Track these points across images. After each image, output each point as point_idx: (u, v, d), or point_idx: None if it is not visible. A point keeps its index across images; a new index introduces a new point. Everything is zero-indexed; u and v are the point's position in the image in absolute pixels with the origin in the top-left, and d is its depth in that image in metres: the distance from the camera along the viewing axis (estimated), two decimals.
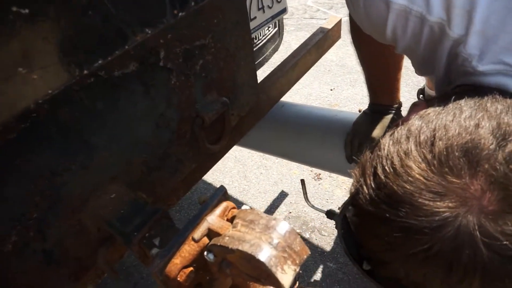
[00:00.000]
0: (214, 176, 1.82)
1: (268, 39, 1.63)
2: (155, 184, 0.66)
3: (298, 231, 1.45)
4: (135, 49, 0.52)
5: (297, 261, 0.29)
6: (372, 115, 0.91)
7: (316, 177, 1.68)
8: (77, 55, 0.32)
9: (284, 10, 1.15)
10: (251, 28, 1.04)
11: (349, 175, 0.93)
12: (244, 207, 0.39)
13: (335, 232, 1.42)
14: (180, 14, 0.39)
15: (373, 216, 0.38)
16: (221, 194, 0.39)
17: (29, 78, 0.28)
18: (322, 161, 0.93)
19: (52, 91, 0.30)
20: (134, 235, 0.48)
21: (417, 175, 0.34)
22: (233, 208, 0.39)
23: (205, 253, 0.33)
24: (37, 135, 0.43)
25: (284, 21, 3.69)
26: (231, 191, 1.70)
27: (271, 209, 1.57)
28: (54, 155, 0.46)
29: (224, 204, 0.38)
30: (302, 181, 0.80)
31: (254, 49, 1.55)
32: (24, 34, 0.27)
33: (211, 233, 0.34)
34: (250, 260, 0.29)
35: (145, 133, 0.59)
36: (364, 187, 0.39)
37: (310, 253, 0.33)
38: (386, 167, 0.37)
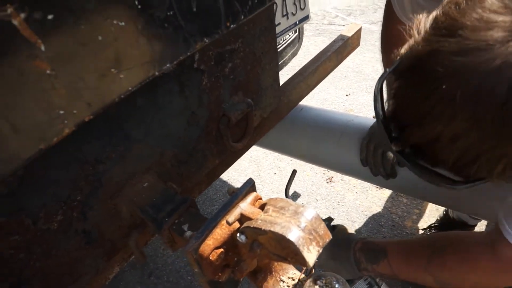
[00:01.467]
0: (229, 174, 1.86)
1: (288, 43, 1.67)
2: (183, 176, 0.70)
3: None
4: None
5: (321, 243, 0.33)
6: None
7: (329, 180, 1.71)
8: (153, 59, 0.37)
9: (307, 17, 1.19)
10: (276, 33, 1.08)
11: (362, 178, 0.96)
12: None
13: None
14: (231, 26, 0.43)
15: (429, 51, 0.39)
16: (250, 185, 0.43)
17: (117, 77, 0.33)
18: (337, 163, 0.96)
19: (132, 88, 0.35)
20: (166, 221, 0.52)
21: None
22: (260, 199, 0.43)
23: (238, 234, 0.37)
24: (87, 126, 0.48)
25: (304, 26, 3.73)
26: None
27: None
28: (99, 144, 0.51)
29: (254, 194, 0.41)
30: (294, 172, 0.84)
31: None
32: (118, 42, 0.32)
33: (243, 218, 0.38)
34: (281, 241, 0.32)
35: (177, 129, 0.64)
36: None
37: (332, 237, 0.37)
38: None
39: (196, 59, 0.60)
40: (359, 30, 1.26)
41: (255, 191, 0.44)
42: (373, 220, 1.48)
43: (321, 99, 2.37)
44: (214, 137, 0.73)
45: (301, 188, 1.70)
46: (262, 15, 0.71)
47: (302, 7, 1.14)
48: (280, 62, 1.65)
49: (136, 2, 0.34)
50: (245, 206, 0.39)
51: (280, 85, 1.07)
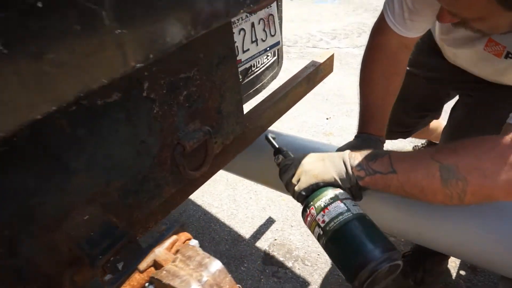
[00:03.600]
0: (204, 198, 1.83)
1: (267, 67, 1.69)
2: (132, 207, 0.68)
3: (281, 259, 1.46)
4: (119, 80, 0.56)
5: None
6: (359, 141, 0.93)
7: None
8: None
9: (277, 43, 1.20)
10: (245, 59, 1.09)
11: None
12: (191, 242, 0.41)
13: (319, 262, 1.43)
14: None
15: None
16: (178, 226, 0.41)
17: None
18: None
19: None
20: (99, 258, 0.50)
21: None
22: (188, 239, 0.42)
23: (146, 284, 0.35)
24: (16, 156, 0.46)
25: (288, 48, 3.81)
26: (219, 215, 1.72)
27: (257, 235, 1.58)
28: (31, 176, 0.49)
29: (173, 237, 0.40)
30: (267, 139, 0.88)
31: (252, 77, 1.61)
32: None
33: (157, 265, 0.37)
34: None
35: (125, 159, 0.62)
36: None
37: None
38: None
39: (145, 87, 0.60)
40: (332, 56, 1.29)
41: (185, 232, 0.43)
42: None
43: (301, 122, 2.39)
44: (168, 166, 0.72)
45: (276, 214, 1.68)
46: (219, 43, 0.71)
47: (273, 33, 1.16)
48: (259, 85, 1.66)
49: None
50: (160, 251, 0.37)
51: (251, 109, 1.08)
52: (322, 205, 0.69)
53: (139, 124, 0.62)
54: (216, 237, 1.59)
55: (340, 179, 0.74)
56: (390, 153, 0.72)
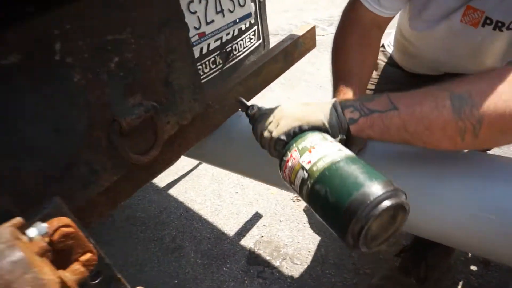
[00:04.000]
0: (187, 194, 1.75)
1: (251, 51, 1.60)
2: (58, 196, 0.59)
3: (267, 258, 1.37)
4: (16, 38, 0.47)
5: None
6: None
7: (295, 199, 1.61)
8: None
9: (249, 15, 1.11)
10: (210, 31, 1.00)
11: None
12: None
13: (309, 260, 1.34)
14: None
15: None
16: (52, 206, 0.33)
17: None
18: (271, 177, 0.86)
19: None
20: None
21: None
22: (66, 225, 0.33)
23: None
24: None
25: (282, 37, 3.70)
26: (202, 211, 1.63)
27: (242, 232, 1.49)
28: None
29: (16, 220, 0.31)
30: (238, 100, 0.77)
31: (234, 61, 1.52)
32: None
33: None
34: None
35: (39, 138, 0.54)
36: None
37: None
38: None
39: (57, 49, 0.51)
40: (313, 30, 1.20)
41: (62, 215, 0.34)
42: (342, 245, 1.37)
43: None
44: (104, 147, 0.63)
45: (264, 209, 1.59)
46: (157, 1, 0.62)
47: (242, 3, 1.06)
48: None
49: None
50: None
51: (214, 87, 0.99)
52: (308, 146, 0.58)
53: (54, 95, 0.53)
54: (198, 236, 1.51)
55: (329, 123, 0.62)
56: (387, 93, 0.63)
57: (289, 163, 0.59)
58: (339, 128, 0.63)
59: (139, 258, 1.46)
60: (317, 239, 1.41)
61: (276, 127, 0.65)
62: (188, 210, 1.65)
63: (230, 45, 1.57)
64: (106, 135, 0.63)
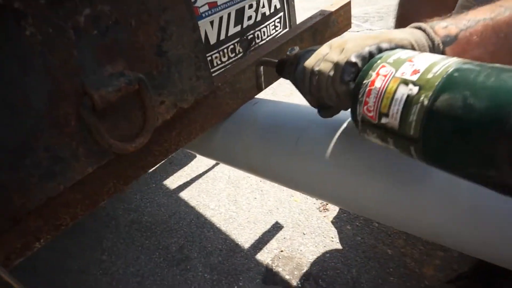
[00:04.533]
0: (200, 198, 1.63)
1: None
2: (9, 190, 0.48)
3: (287, 277, 1.21)
4: None
5: None
6: None
7: (322, 208, 1.45)
8: None
9: None
10: (223, 1, 0.87)
11: (339, 203, 0.71)
12: None
13: (337, 283, 1.17)
14: None
15: None
16: None
17: None
18: (291, 177, 0.71)
19: None
20: None
21: None
22: None
23: None
24: None
25: None
26: (215, 218, 1.50)
27: (259, 244, 1.34)
28: None
29: None
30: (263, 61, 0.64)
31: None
32: None
33: None
34: None
35: None
36: None
37: None
38: None
39: None
40: (348, 5, 1.04)
41: None
42: (378, 265, 1.20)
43: None
44: (74, 129, 0.51)
45: (285, 218, 1.44)
46: None
47: None
48: None
49: None
50: None
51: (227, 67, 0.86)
52: (404, 57, 0.43)
53: None
54: (208, 247, 1.37)
55: (417, 43, 0.47)
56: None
57: (376, 85, 0.42)
58: (431, 51, 0.47)
59: (141, 268, 1.34)
60: (347, 257, 1.24)
61: (340, 52, 0.49)
62: (199, 216, 1.53)
63: (252, 31, 1.44)
64: (76, 112, 0.50)
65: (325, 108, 0.56)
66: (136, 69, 0.55)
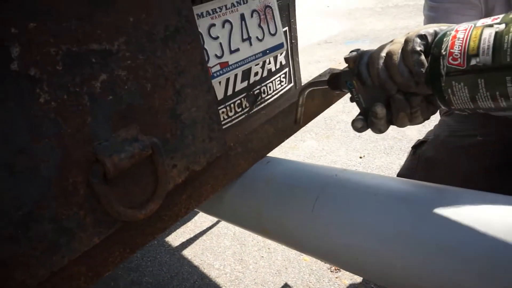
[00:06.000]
0: (204, 257, 1.55)
1: (281, 95, 1.49)
2: (9, 266, 0.44)
3: None
4: None
5: None
6: None
7: (334, 269, 1.37)
8: None
9: (281, 46, 0.99)
10: (234, 62, 0.88)
11: (347, 267, 0.66)
12: None
13: None
14: None
15: None
16: None
17: None
18: (308, 242, 0.67)
19: None
20: None
21: None
22: None
23: None
24: None
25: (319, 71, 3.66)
26: (220, 280, 1.42)
27: None
28: None
29: None
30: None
31: (262, 105, 1.41)
32: None
33: None
34: None
35: None
36: None
37: None
38: None
39: (14, 55, 0.38)
40: None
41: None
42: None
43: (329, 161, 2.12)
44: (81, 197, 0.48)
45: (295, 279, 1.36)
46: (164, 5, 0.50)
47: (272, 31, 0.95)
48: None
49: None
50: None
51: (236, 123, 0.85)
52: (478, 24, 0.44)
53: (7, 120, 0.39)
54: None
55: None
56: None
57: (459, 36, 0.45)
58: None
59: None
60: None
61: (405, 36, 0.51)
62: (203, 277, 1.45)
63: (258, 87, 1.46)
64: (85, 181, 0.48)
65: (367, 115, 0.56)
66: (150, 133, 0.53)
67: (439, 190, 0.59)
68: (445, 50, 0.45)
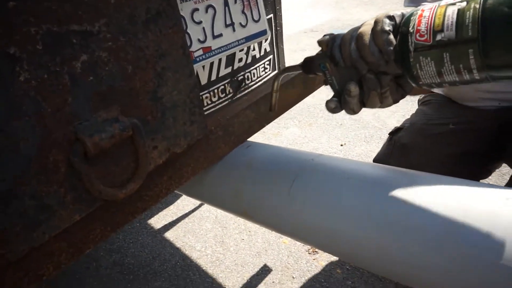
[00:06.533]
0: (186, 239, 1.57)
1: (265, 81, 1.49)
2: None
3: None
4: None
5: None
6: None
7: (312, 251, 1.41)
8: None
9: (264, 32, 1.00)
10: (217, 47, 0.88)
11: (319, 246, 0.69)
12: None
13: None
14: None
15: None
16: None
17: None
18: (285, 222, 0.69)
19: None
20: None
21: None
22: None
23: None
24: None
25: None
26: (201, 261, 1.44)
27: None
28: None
29: None
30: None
31: (245, 91, 1.41)
32: None
33: None
34: None
35: None
36: None
37: None
38: None
39: None
40: None
41: None
42: None
43: (311, 148, 2.15)
44: (62, 175, 0.49)
45: (274, 261, 1.39)
46: None
47: (256, 18, 0.95)
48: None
49: None
50: None
51: (218, 108, 0.87)
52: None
53: None
54: None
55: None
56: None
57: (425, 14, 0.48)
58: None
59: None
60: None
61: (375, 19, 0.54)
62: (184, 258, 1.47)
63: (242, 73, 1.46)
64: (66, 159, 0.48)
65: (340, 96, 0.59)
66: (131, 114, 0.54)
67: (408, 175, 0.62)
68: (413, 27, 0.48)
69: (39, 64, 0.43)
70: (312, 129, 2.36)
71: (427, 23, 0.46)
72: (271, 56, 1.55)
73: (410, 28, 0.48)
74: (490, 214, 0.49)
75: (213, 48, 0.86)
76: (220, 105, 1.25)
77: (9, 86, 0.41)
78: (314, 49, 3.78)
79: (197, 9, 0.80)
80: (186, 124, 0.64)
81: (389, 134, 1.14)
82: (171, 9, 0.55)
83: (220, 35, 0.87)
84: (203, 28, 0.83)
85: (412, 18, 0.49)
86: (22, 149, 0.44)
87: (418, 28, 0.47)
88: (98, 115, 0.50)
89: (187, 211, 1.74)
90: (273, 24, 1.37)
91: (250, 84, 1.56)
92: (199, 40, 0.83)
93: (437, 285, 0.54)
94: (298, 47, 4.25)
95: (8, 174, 0.43)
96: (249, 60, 1.49)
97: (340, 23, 5.01)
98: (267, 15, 1.05)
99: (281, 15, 1.45)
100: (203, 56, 0.85)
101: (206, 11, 0.83)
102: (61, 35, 0.44)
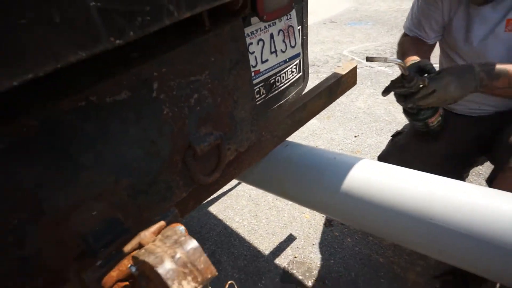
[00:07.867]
0: (226, 212, 1.83)
1: (292, 83, 1.70)
2: (142, 207, 0.69)
3: (300, 277, 1.41)
4: (128, 79, 0.58)
5: (199, 279, 0.30)
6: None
7: (328, 224, 1.65)
8: None
9: (298, 55, 1.21)
10: (264, 69, 1.10)
11: (340, 217, 0.92)
12: (178, 227, 0.40)
13: (340, 283, 1.37)
14: (117, 41, 0.41)
15: None
16: (171, 216, 0.41)
17: None
18: (314, 202, 0.93)
19: None
20: (101, 251, 0.51)
21: None
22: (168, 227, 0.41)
23: (129, 265, 0.35)
24: (26, 149, 0.49)
25: (318, 68, 3.82)
26: (239, 230, 1.70)
27: (276, 251, 1.54)
28: (40, 168, 0.51)
29: (161, 222, 0.40)
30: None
31: (276, 92, 1.62)
32: None
33: (141, 247, 0.37)
34: (153, 272, 0.30)
35: (134, 159, 0.64)
36: None
37: (216, 274, 0.34)
38: None
39: (155, 88, 0.62)
40: (355, 69, 1.27)
41: (178, 222, 0.43)
42: (372, 270, 1.39)
43: (329, 139, 2.36)
44: (179, 169, 0.73)
45: (298, 231, 1.64)
46: (231, 48, 0.73)
47: (293, 44, 1.16)
48: (283, 100, 1.67)
49: None
50: (145, 235, 0.37)
51: (266, 118, 1.08)
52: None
53: (149, 124, 0.63)
54: (235, 252, 1.57)
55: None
56: (508, 72, 0.95)
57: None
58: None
59: None
60: (348, 263, 1.44)
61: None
62: (226, 227, 1.73)
63: (273, 77, 1.67)
64: (182, 159, 0.72)
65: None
66: (218, 129, 0.77)
67: (393, 170, 0.84)
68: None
69: (174, 103, 0.66)
70: (330, 122, 2.57)
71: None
72: (297, 61, 1.76)
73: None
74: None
75: (261, 70, 1.09)
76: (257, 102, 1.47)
77: (158, 117, 0.65)
78: (332, 42, 3.89)
79: (251, 43, 1.02)
80: (247, 133, 0.87)
81: (391, 136, 1.36)
82: (244, 58, 0.77)
83: (267, 60, 1.09)
84: (255, 56, 1.05)
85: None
86: (161, 153, 0.68)
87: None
88: (200, 130, 0.74)
89: (225, 190, 2.00)
90: (300, 34, 1.58)
91: (279, 86, 1.77)
92: (252, 65, 1.05)
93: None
94: (317, 39, 4.35)
95: (152, 170, 0.68)
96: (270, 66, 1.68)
97: (358, 14, 5.07)
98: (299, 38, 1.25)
99: (307, 26, 1.64)
100: (254, 77, 1.08)
101: (258, 44, 1.05)
102: (185, 84, 0.67)
